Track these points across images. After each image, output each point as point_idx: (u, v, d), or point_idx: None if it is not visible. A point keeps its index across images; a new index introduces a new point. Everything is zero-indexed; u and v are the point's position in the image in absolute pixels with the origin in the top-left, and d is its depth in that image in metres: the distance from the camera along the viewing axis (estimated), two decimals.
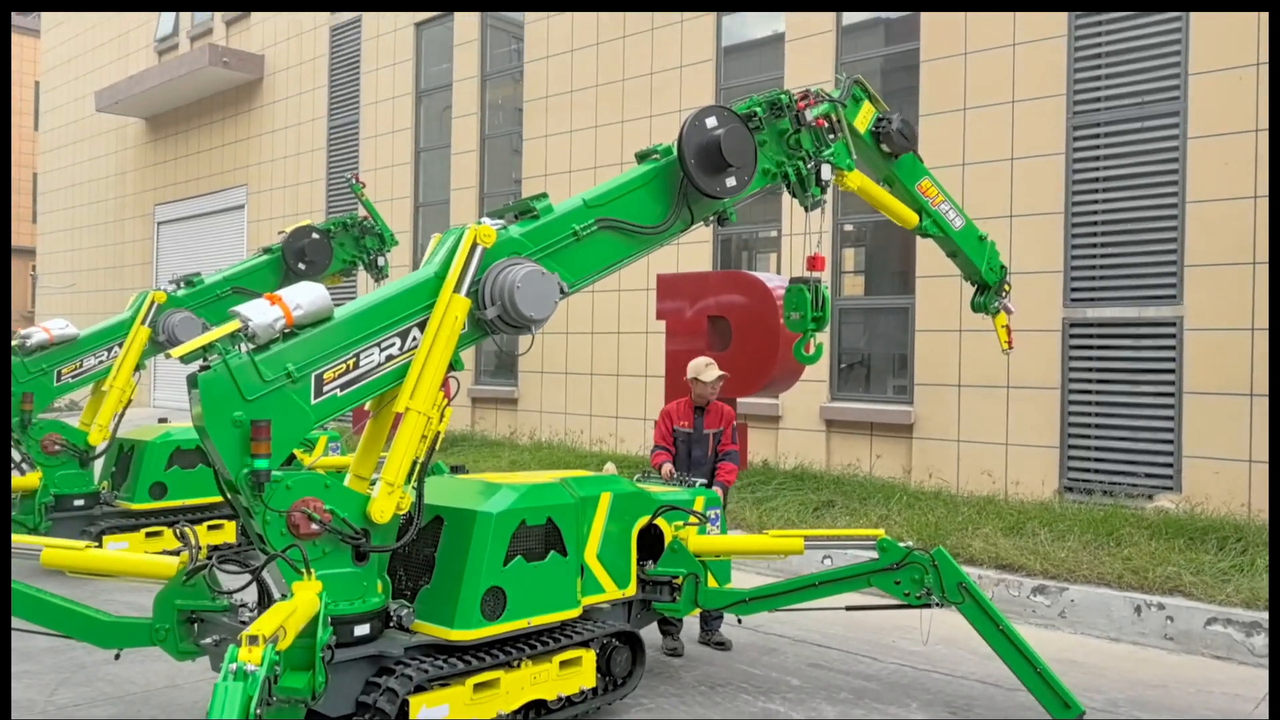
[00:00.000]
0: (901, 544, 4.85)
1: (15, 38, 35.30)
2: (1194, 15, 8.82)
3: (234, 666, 2.87)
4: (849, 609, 5.15)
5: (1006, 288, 7.02)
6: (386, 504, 4.09)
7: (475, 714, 4.20)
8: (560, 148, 14.10)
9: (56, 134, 26.95)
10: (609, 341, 13.45)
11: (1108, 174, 9.37)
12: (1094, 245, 9.44)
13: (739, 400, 10.33)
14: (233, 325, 3.91)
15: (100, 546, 7.11)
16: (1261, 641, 5.94)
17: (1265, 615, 6.00)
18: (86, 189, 25.77)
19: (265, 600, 4.13)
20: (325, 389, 4.05)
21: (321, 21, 18.51)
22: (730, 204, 5.15)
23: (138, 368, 7.69)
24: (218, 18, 21.19)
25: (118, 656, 4.31)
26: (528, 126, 14.57)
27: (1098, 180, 9.43)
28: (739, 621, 6.02)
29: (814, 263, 5.47)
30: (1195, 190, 8.84)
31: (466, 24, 15.60)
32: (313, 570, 3.77)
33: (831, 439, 11.11)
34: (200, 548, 4.09)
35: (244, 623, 4.01)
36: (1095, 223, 9.43)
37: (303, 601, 3.54)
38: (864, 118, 5.77)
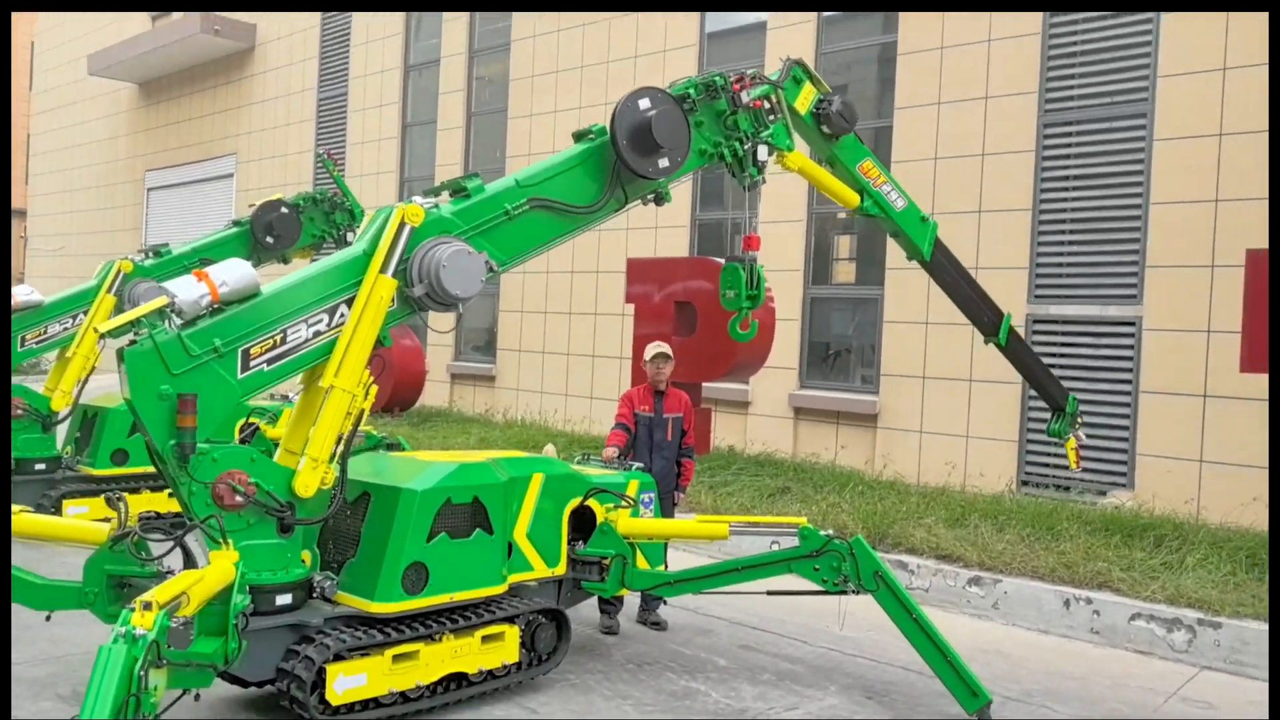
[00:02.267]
0: (822, 532, 4.97)
1: None
2: (1165, 17, 8.89)
3: (123, 630, 2.99)
4: (770, 593, 5.28)
5: (1079, 420, 7.37)
6: (310, 479, 4.21)
7: (393, 684, 4.34)
8: (544, 127, 14.15)
9: (50, 95, 26.94)
10: (586, 322, 13.56)
11: (1076, 173, 9.46)
12: (1060, 243, 9.54)
13: (704, 385, 10.48)
14: (160, 301, 4.01)
15: (59, 512, 7.28)
16: (1181, 637, 6.08)
17: (1186, 611, 6.14)
18: (79, 152, 25.79)
19: (190, 567, 4.25)
20: (252, 364, 4.16)
21: None
22: (664, 184, 5.21)
23: (102, 335, 7.78)
24: None
25: (48, 618, 4.44)
26: (513, 105, 14.61)
27: (1067, 179, 9.52)
28: (664, 602, 6.16)
29: (749, 242, 5.55)
30: (1159, 192, 8.93)
31: None
32: (230, 540, 3.90)
33: (799, 426, 11.23)
34: (130, 515, 4.21)
35: None
36: (1062, 221, 9.52)
37: (215, 570, 3.67)
38: (804, 99, 5.81)
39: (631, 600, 6.19)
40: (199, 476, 3.99)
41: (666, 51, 12.73)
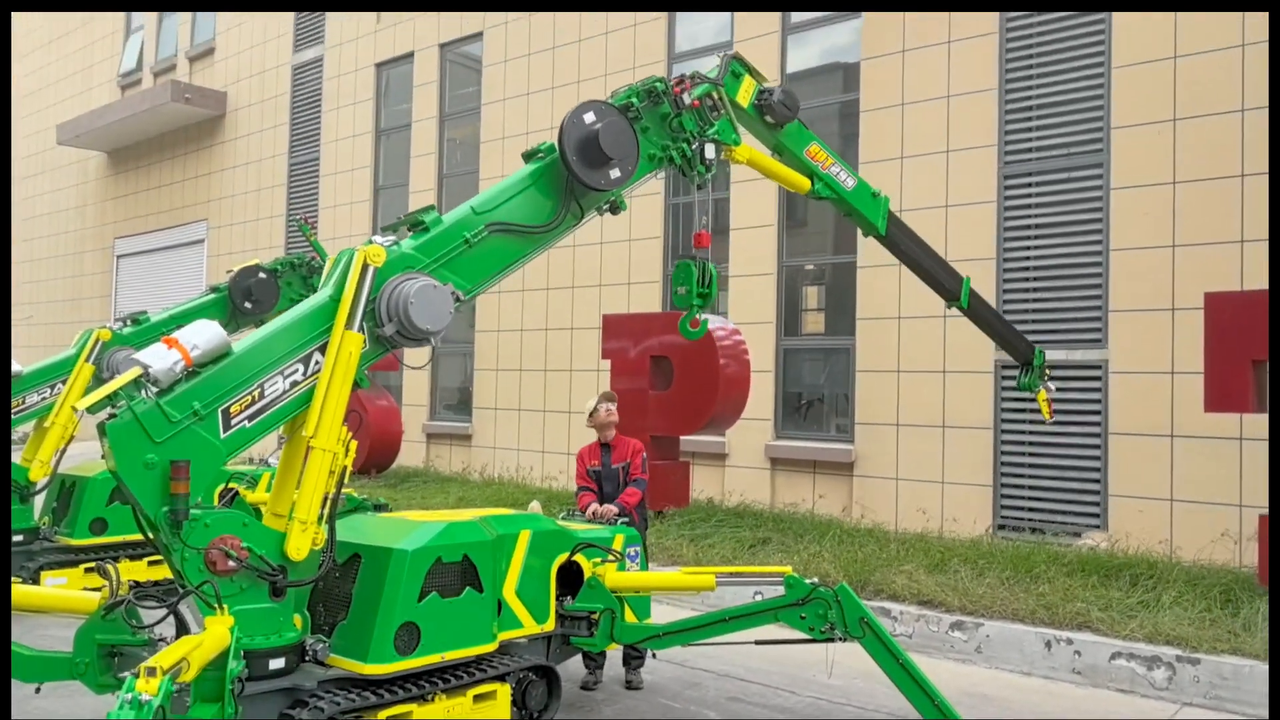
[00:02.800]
0: (807, 580, 5.04)
1: None
2: (1115, 70, 9.23)
3: (129, 696, 3.01)
4: (758, 643, 5.32)
5: (1047, 372, 7.91)
6: (301, 541, 4.24)
7: None
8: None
9: (19, 164, 26.90)
10: (562, 379, 13.64)
11: (1037, 221, 9.73)
12: (1025, 290, 9.78)
13: (682, 438, 10.59)
14: (134, 372, 4.04)
15: (36, 583, 7.21)
16: (1161, 675, 6.18)
17: (1165, 649, 6.24)
18: (46, 221, 25.73)
19: (183, 634, 4.25)
20: (233, 422, 4.19)
21: (284, 60, 18.73)
22: (618, 193, 5.26)
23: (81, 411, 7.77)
24: (181, 54, 21.35)
25: (38, 690, 4.42)
26: (484, 166, 14.81)
27: (1028, 228, 9.78)
28: (653, 655, 6.19)
29: (699, 239, 5.63)
30: (1119, 239, 9.21)
31: (426, 64, 15.87)
32: (225, 605, 3.91)
33: (776, 477, 11.32)
34: (121, 583, 4.21)
35: None
36: (1026, 268, 9.77)
37: (212, 635, 3.68)
38: (745, 92, 5.90)
39: (615, 656, 6.21)
40: (192, 542, 4.01)
41: None
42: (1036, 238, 9.73)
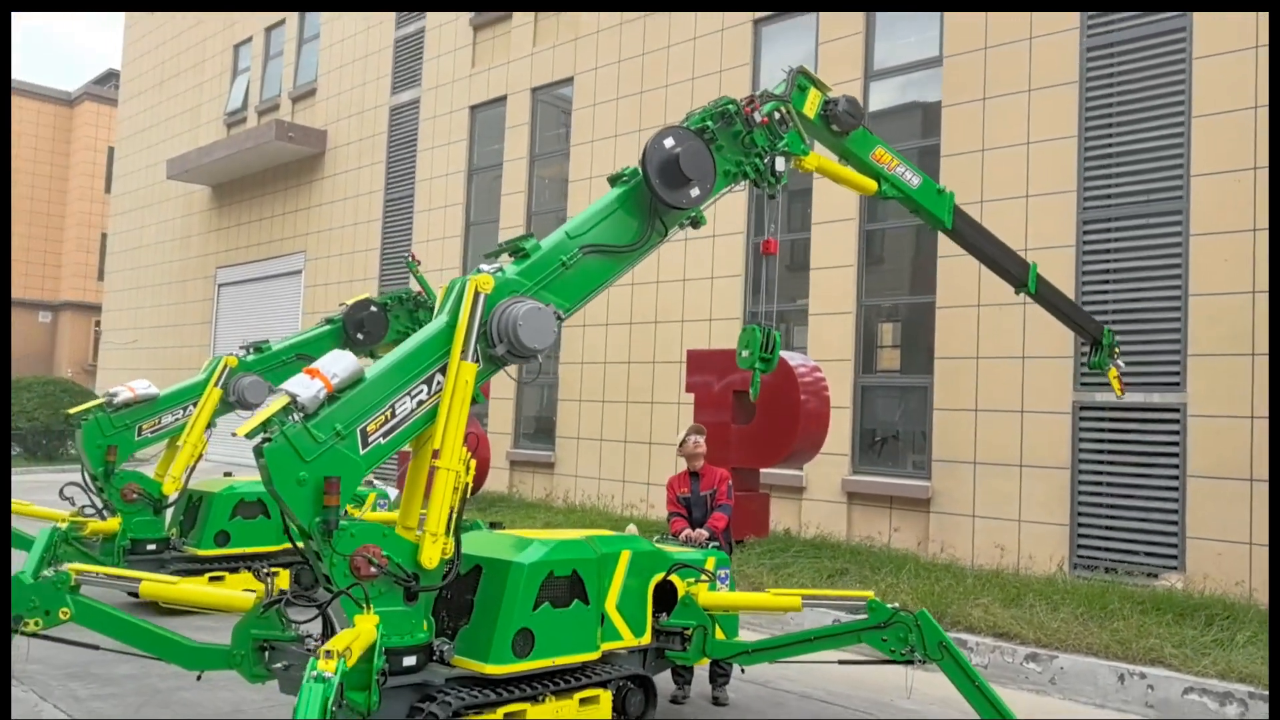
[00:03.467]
0: (889, 605, 5.38)
1: (95, 106, 37.32)
2: (1196, 121, 9.45)
3: (314, 673, 3.50)
4: (841, 663, 5.66)
5: (1116, 350, 8.54)
6: (433, 551, 4.73)
7: None
8: None
9: (127, 198, 28.43)
10: (643, 410, 14.09)
11: (1116, 266, 9.94)
12: None
13: (762, 470, 10.95)
14: (283, 400, 4.57)
15: None
16: (1233, 711, 6.34)
17: (1238, 686, 6.41)
18: (152, 250, 27.12)
19: (329, 632, 4.76)
20: (370, 439, 4.70)
21: (382, 101, 19.67)
22: (698, 210, 5.67)
23: (209, 425, 8.46)
24: (284, 94, 22.50)
25: (199, 677, 4.97)
26: (572, 205, 15.42)
27: (1107, 272, 10.00)
28: (742, 671, 6.54)
29: (766, 246, 6.11)
30: (1198, 284, 9.38)
31: (519, 107, 16.60)
32: (371, 606, 4.41)
33: (853, 510, 11.60)
34: (276, 585, 4.74)
35: (309, 651, 4.64)
36: (1105, 311, 9.95)
37: (363, 630, 4.17)
38: (812, 104, 6.29)
39: (701, 674, 6.56)
40: (340, 549, 4.52)
41: None
42: (1114, 281, 9.93)
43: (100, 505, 8.34)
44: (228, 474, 9.19)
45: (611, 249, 5.45)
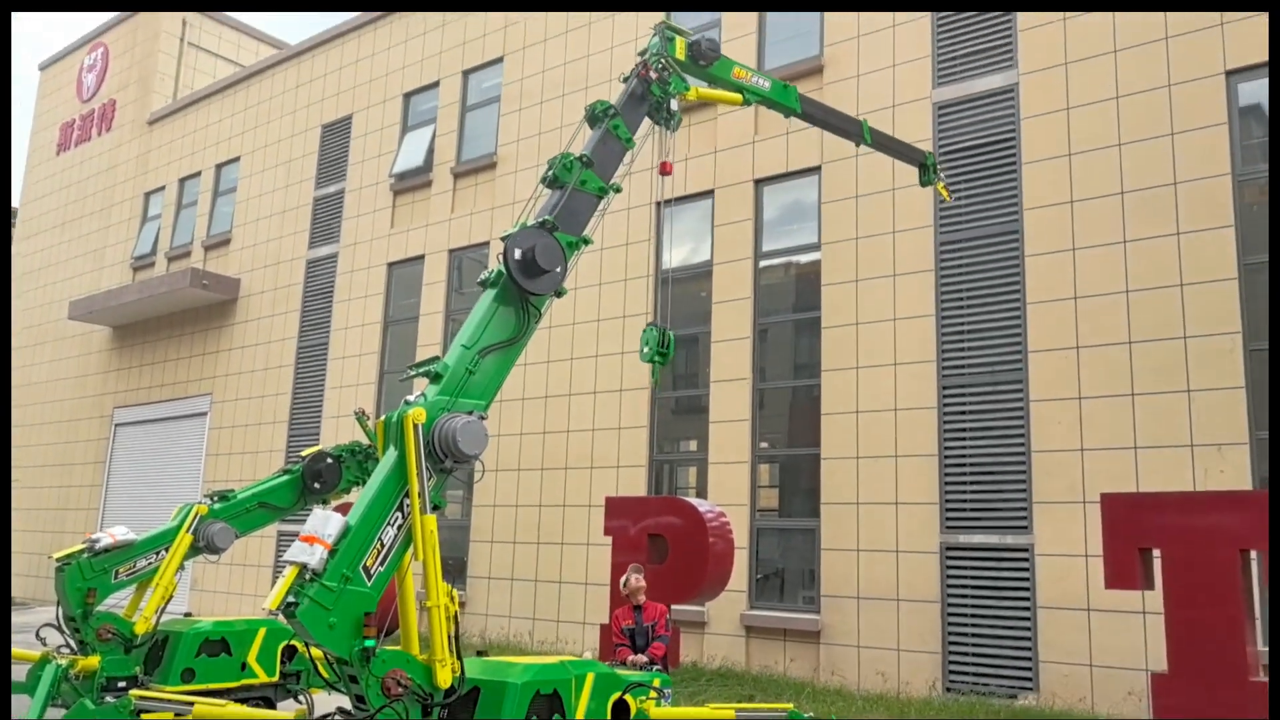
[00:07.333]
0: (805, 714, 6.59)
1: None
2: (1030, 306, 11.44)
3: None
4: None
5: (938, 168, 10.80)
6: (444, 673, 5.75)
7: None
8: (515, 378, 16.14)
9: (23, 334, 28.11)
10: (553, 551, 15.09)
11: (971, 425, 11.70)
12: (963, 482, 11.65)
13: (673, 606, 12.08)
14: (294, 571, 5.55)
15: None
16: None
17: None
18: (43, 388, 26.82)
19: None
20: (372, 572, 5.70)
21: (299, 254, 20.67)
22: (559, 285, 6.77)
23: (179, 569, 9.16)
24: (197, 242, 23.22)
25: None
26: None
27: (964, 430, 11.75)
28: None
29: (664, 167, 7.59)
30: (1039, 442, 11.18)
31: (436, 266, 17.90)
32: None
33: (750, 642, 12.79)
34: (313, 705, 5.65)
35: None
36: (964, 464, 11.67)
37: None
38: (680, 48, 7.71)
39: None
40: (375, 673, 5.50)
41: (625, 317, 14.99)
42: (972, 438, 11.67)
43: (74, 645, 8.86)
44: (188, 614, 9.80)
45: (503, 344, 6.54)
